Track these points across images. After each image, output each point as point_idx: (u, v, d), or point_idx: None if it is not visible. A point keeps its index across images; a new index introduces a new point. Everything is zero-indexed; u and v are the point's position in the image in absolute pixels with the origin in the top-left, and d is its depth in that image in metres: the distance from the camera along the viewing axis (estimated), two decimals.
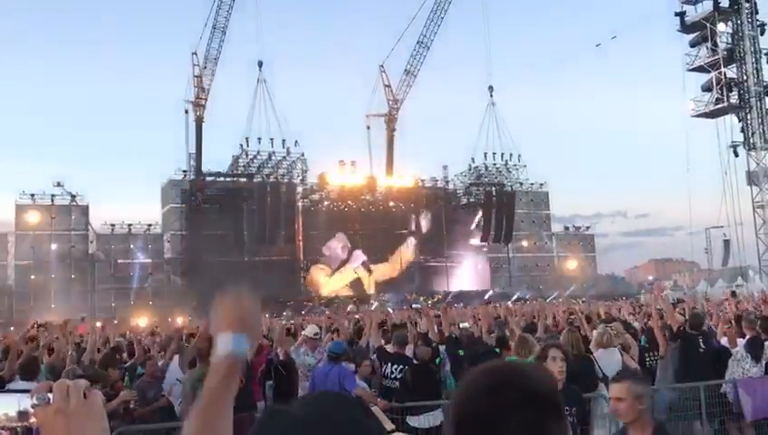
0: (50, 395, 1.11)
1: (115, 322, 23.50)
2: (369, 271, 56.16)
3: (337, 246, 56.04)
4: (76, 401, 1.12)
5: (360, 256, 56.24)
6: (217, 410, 1.35)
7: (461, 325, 11.46)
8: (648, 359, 8.66)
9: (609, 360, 7.25)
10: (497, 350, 8.48)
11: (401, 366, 7.98)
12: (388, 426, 6.09)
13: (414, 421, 7.37)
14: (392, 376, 7.96)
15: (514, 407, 1.22)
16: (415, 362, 8.06)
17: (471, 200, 60.90)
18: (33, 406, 1.11)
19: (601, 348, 7.46)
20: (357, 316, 20.94)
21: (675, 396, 7.83)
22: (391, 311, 26.97)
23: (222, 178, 52.65)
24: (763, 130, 40.18)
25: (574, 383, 5.53)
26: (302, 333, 9.80)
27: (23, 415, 1.11)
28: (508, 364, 1.47)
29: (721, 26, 40.65)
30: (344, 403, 1.07)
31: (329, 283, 55.48)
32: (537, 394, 1.24)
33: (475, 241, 59.47)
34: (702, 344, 8.46)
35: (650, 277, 68.47)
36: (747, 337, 8.39)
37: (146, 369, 8.07)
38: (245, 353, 1.45)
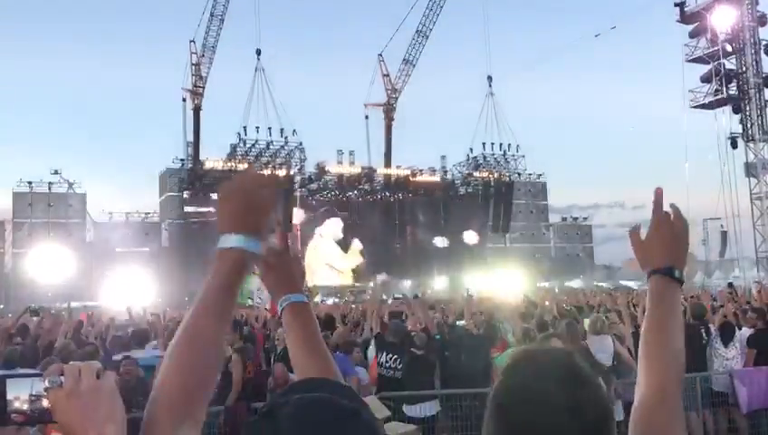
0: (62, 378, 1.10)
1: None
2: (363, 256, 55.91)
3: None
4: (88, 382, 1.10)
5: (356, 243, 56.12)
6: (215, 311, 1.21)
7: (458, 323, 11.43)
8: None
9: (601, 347, 7.28)
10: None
11: (396, 356, 7.99)
12: (385, 414, 6.11)
13: (410, 411, 7.39)
14: (387, 365, 7.98)
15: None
16: (416, 351, 8.08)
17: (469, 190, 60.91)
18: (45, 389, 1.09)
19: (594, 335, 7.49)
20: (353, 306, 20.97)
21: None
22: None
23: (220, 167, 52.57)
24: (761, 121, 40.12)
25: None
26: None
27: (35, 399, 1.10)
28: (560, 349, 1.32)
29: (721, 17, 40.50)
30: (340, 396, 1.02)
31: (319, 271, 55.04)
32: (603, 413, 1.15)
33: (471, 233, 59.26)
34: (704, 335, 8.48)
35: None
36: (718, 324, 8.50)
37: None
38: (259, 251, 1.28)
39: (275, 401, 1.02)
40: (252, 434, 1.00)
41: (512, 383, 1.16)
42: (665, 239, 1.51)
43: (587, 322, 8.10)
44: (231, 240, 1.24)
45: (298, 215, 53.65)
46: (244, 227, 1.25)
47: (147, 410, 1.15)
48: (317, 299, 38.59)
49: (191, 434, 1.15)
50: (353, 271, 55.59)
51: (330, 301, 34.68)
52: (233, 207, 1.27)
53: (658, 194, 1.54)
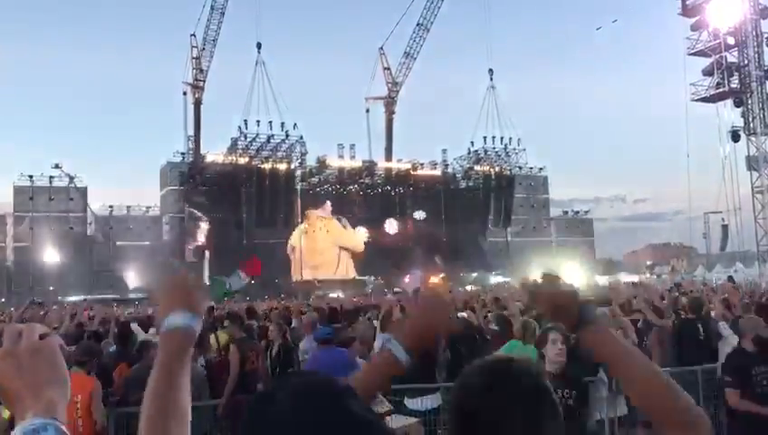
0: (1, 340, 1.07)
1: (116, 306, 23.53)
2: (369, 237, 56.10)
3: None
4: (27, 343, 1.06)
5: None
6: (173, 388, 1.21)
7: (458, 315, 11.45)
8: (645, 341, 8.69)
9: None
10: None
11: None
12: (386, 408, 6.11)
13: (411, 404, 7.38)
14: None
15: (510, 405, 1.29)
16: None
17: (470, 184, 60.84)
18: None
19: None
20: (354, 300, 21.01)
21: (673, 379, 7.84)
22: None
23: (221, 161, 52.48)
24: (763, 115, 40.04)
25: (574, 366, 5.53)
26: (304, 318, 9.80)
27: None
28: (502, 361, 1.46)
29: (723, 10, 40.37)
30: (337, 393, 1.03)
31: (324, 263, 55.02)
32: (532, 392, 1.32)
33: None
34: (702, 331, 8.44)
35: (648, 262, 68.54)
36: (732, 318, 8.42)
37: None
38: (197, 329, 1.34)
39: (275, 384, 1.06)
40: (252, 415, 1.00)
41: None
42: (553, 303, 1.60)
43: None
44: (177, 319, 1.30)
45: (326, 209, 53.85)
46: (184, 306, 1.32)
47: None
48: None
49: None
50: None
51: (334, 295, 34.62)
52: (170, 293, 1.35)
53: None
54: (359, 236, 55.88)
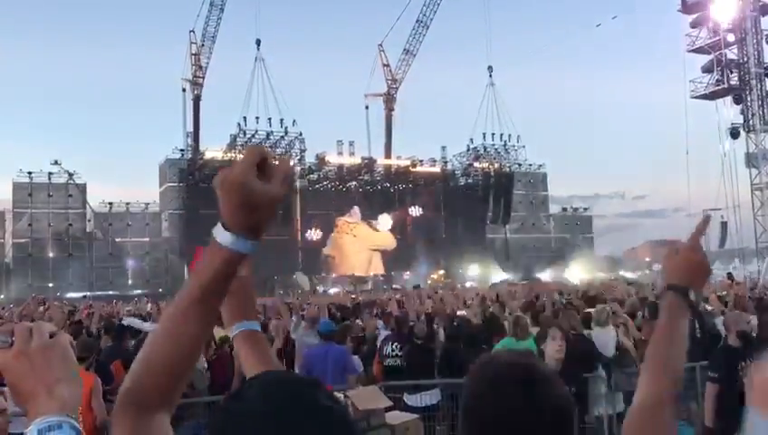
0: (12, 338, 1.07)
1: (115, 302, 23.55)
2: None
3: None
4: (39, 341, 1.07)
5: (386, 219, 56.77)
6: (198, 309, 1.12)
7: (458, 313, 11.48)
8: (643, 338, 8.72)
9: (605, 338, 7.29)
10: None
11: (399, 344, 8.03)
12: (386, 404, 6.12)
13: (411, 400, 7.41)
14: (393, 354, 8.02)
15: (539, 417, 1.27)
16: (416, 341, 8.11)
17: (469, 181, 60.82)
18: None
19: (598, 327, 7.50)
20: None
21: None
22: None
23: (220, 157, 52.45)
24: (762, 112, 40.02)
25: (573, 363, 5.56)
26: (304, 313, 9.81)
27: None
28: (524, 364, 1.40)
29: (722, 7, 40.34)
30: (310, 390, 1.04)
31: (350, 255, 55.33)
32: (559, 406, 1.32)
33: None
34: (698, 328, 8.45)
35: (647, 259, 68.58)
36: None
37: None
38: (252, 253, 1.13)
39: (243, 385, 1.06)
40: (221, 417, 1.00)
41: (475, 387, 1.33)
42: (693, 261, 1.68)
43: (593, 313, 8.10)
44: (226, 238, 1.11)
45: (355, 214, 54.31)
46: (242, 227, 1.10)
47: (118, 395, 1.12)
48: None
49: (159, 423, 1.12)
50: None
51: (331, 290, 34.69)
52: (233, 201, 1.10)
53: (706, 221, 1.81)
54: (388, 237, 56.25)
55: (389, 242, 56.25)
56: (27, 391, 1.05)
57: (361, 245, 55.47)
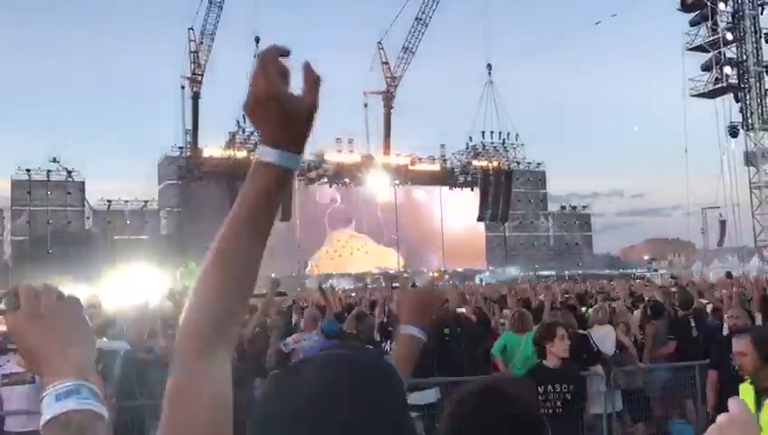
0: (20, 300, 1.02)
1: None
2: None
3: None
4: (48, 303, 1.03)
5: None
6: (250, 226, 1.03)
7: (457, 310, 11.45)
8: (641, 336, 8.71)
9: (603, 336, 7.30)
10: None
11: None
12: None
13: (410, 398, 7.39)
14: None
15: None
16: None
17: (468, 179, 60.84)
18: (0, 312, 1.02)
19: (597, 325, 7.51)
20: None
21: (670, 375, 7.87)
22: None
23: (218, 155, 52.35)
24: (761, 110, 40.06)
25: (572, 361, 5.56)
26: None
27: None
28: (495, 385, 1.55)
29: (721, 5, 40.36)
30: (367, 355, 1.04)
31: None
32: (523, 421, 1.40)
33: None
34: (694, 326, 8.45)
35: (646, 257, 68.63)
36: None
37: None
38: (296, 168, 1.10)
39: (303, 359, 1.05)
40: (276, 386, 1.00)
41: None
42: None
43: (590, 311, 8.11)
44: (269, 154, 1.06)
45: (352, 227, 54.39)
46: (286, 141, 1.06)
47: (176, 337, 1.01)
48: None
49: (221, 363, 0.99)
50: None
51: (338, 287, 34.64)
52: (272, 117, 1.06)
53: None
54: (391, 254, 56.62)
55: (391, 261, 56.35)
56: (39, 355, 1.00)
57: (365, 260, 55.58)
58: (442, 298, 1.81)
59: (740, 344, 3.64)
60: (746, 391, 3.57)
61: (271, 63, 1.06)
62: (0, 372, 5.53)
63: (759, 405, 3.45)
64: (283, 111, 1.05)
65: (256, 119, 1.08)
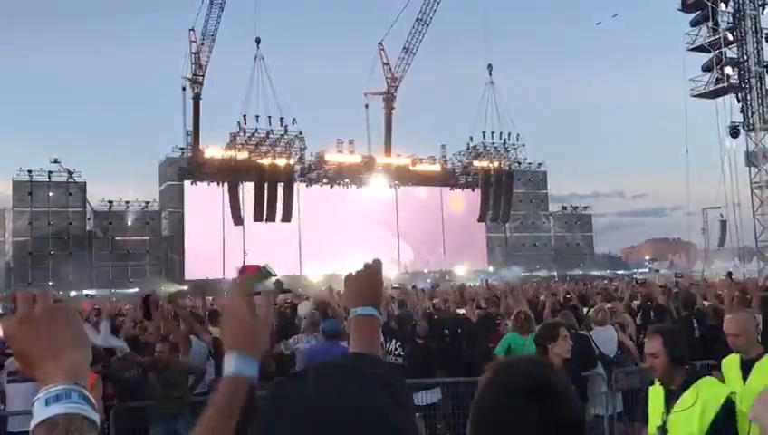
0: (15, 306, 1.05)
1: (113, 299, 23.52)
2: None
3: None
4: (43, 307, 1.04)
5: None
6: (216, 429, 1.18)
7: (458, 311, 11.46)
8: (642, 337, 8.71)
9: (604, 337, 7.30)
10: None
11: (401, 343, 8.06)
12: None
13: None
14: (396, 352, 8.04)
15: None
16: (418, 340, 8.13)
17: (469, 179, 60.84)
18: None
19: (597, 326, 7.51)
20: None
21: None
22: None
23: (219, 156, 52.31)
24: (762, 110, 40.04)
25: (573, 361, 5.56)
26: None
27: None
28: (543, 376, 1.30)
29: (722, 5, 40.37)
30: (369, 365, 1.05)
31: None
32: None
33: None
34: (696, 326, 8.44)
35: (647, 257, 68.62)
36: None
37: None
38: (253, 375, 1.26)
39: (308, 367, 1.10)
40: (280, 393, 1.01)
41: (488, 395, 1.24)
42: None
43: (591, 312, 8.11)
44: (231, 364, 1.25)
45: None
46: (240, 347, 1.26)
47: None
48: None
49: None
50: None
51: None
52: (232, 327, 1.29)
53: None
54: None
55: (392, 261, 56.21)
56: (34, 359, 1.02)
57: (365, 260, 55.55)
58: (380, 271, 1.67)
59: (651, 346, 3.57)
60: (656, 392, 3.58)
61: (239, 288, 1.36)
62: (5, 369, 5.63)
63: (668, 406, 3.46)
64: (243, 323, 1.30)
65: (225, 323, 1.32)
